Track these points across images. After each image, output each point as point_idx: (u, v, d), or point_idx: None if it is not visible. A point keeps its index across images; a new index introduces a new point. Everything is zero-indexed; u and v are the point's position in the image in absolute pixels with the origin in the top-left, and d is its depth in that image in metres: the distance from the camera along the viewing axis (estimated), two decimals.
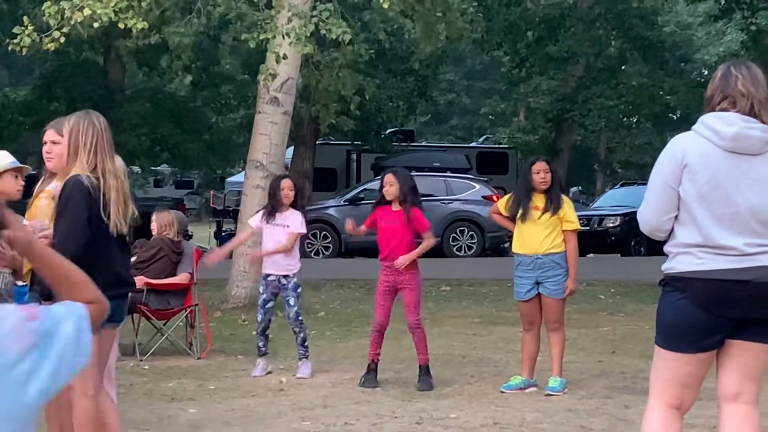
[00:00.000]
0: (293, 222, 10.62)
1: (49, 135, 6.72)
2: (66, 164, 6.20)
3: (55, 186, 6.70)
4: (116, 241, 6.19)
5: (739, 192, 4.99)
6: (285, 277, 10.64)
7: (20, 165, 7.22)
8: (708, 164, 5.02)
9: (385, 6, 14.87)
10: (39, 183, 6.94)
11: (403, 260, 9.82)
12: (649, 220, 5.18)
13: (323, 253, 27.12)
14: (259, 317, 10.77)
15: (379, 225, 10.06)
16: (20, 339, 2.48)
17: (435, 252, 25.10)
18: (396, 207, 9.99)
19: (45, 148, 6.72)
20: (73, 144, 6.14)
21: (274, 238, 10.65)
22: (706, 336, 5.10)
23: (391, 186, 9.98)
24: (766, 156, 5.00)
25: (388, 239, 9.99)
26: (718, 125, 5.02)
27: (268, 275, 10.72)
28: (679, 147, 5.11)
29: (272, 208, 10.71)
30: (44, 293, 6.54)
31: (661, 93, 36.30)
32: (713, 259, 5.02)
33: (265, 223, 10.68)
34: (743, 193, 4.99)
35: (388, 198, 10.02)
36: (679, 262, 5.10)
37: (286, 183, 10.84)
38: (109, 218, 6.09)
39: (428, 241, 10.10)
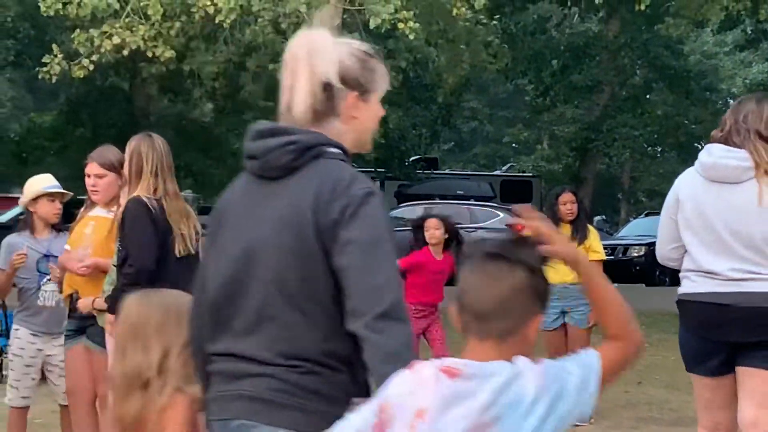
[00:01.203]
0: None
1: (93, 168, 6.69)
2: (129, 187, 6.19)
3: (97, 212, 6.70)
4: (184, 262, 6.17)
5: (719, 219, 5.21)
6: None
7: (56, 190, 7.26)
8: (694, 195, 5.31)
9: (411, 36, 14.91)
10: (82, 209, 6.94)
11: None
12: (658, 251, 5.59)
13: None
14: None
15: (424, 273, 9.79)
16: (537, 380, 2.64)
17: (454, 280, 24.92)
18: (439, 255, 9.87)
19: (89, 182, 6.69)
20: (135, 167, 6.13)
21: None
22: (705, 359, 5.28)
23: (437, 230, 9.84)
24: (746, 184, 5.17)
25: (431, 288, 9.86)
26: (703, 157, 5.30)
27: None
28: (678, 180, 5.47)
29: None
30: (85, 317, 6.56)
31: (686, 122, 36.26)
32: (703, 283, 5.28)
33: None
34: (724, 220, 5.19)
35: (432, 242, 9.87)
36: (681, 286, 5.43)
37: None
38: (173, 240, 6.08)
39: None
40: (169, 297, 3.65)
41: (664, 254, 5.51)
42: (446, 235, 9.83)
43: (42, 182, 7.35)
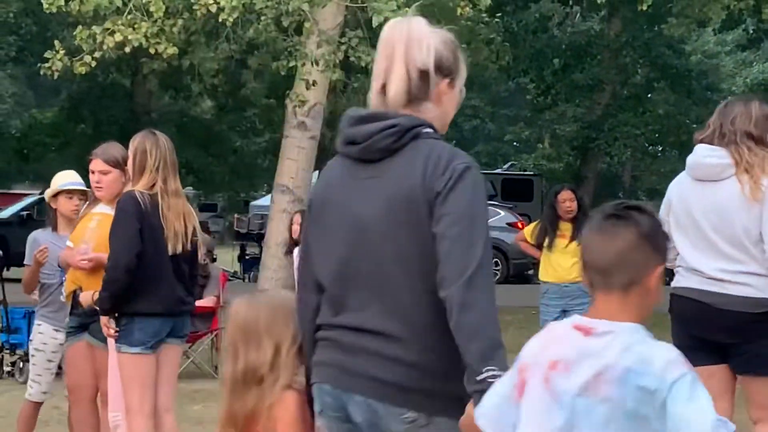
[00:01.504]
0: None
1: (98, 165, 6.69)
2: (132, 182, 6.21)
3: (102, 209, 6.71)
4: (176, 260, 6.19)
5: (704, 217, 5.31)
6: None
7: (73, 187, 7.27)
8: (681, 194, 5.46)
9: None
10: (85, 206, 6.95)
11: None
12: None
13: None
14: None
15: None
16: None
17: None
18: None
19: (94, 178, 6.70)
20: (139, 162, 6.16)
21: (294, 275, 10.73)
22: (695, 350, 5.24)
23: None
24: (727, 181, 5.27)
25: None
26: (689, 157, 5.47)
27: None
28: (672, 182, 5.62)
29: (288, 245, 10.78)
30: (87, 314, 6.57)
31: (687, 121, 36.22)
32: (689, 278, 5.40)
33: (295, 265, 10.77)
34: (708, 218, 5.30)
35: None
36: (673, 281, 5.56)
37: (297, 218, 10.90)
38: (167, 236, 6.11)
39: None
40: (275, 296, 3.92)
41: None
42: None
43: (62, 179, 7.38)
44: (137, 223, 6.03)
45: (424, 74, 3.38)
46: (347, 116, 3.47)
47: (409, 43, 3.38)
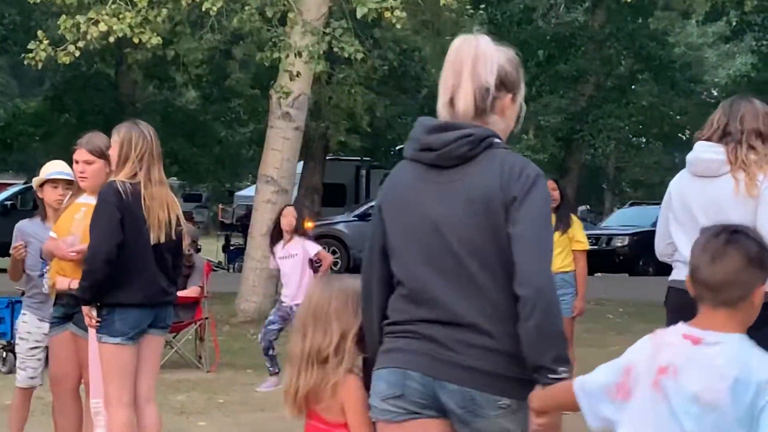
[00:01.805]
0: (302, 250, 10.70)
1: (82, 154, 6.67)
2: (115, 172, 6.21)
3: (87, 200, 6.71)
4: (159, 250, 6.20)
5: (701, 212, 5.33)
6: (298, 305, 10.68)
7: (57, 177, 7.24)
8: (680, 190, 5.49)
9: (398, 26, 14.94)
10: (68, 196, 6.94)
11: None
12: (656, 246, 5.70)
13: (332, 269, 27.07)
14: (259, 337, 10.86)
15: None
16: None
17: None
18: None
19: (78, 168, 6.68)
20: (124, 152, 6.15)
21: (286, 270, 10.73)
22: None
23: None
24: (723, 177, 5.31)
25: None
26: (689, 154, 5.50)
27: (283, 301, 10.80)
28: (674, 178, 5.64)
29: (275, 237, 10.78)
30: (72, 304, 6.57)
31: (671, 113, 36.32)
32: (684, 270, 5.33)
33: (280, 258, 10.75)
34: (705, 213, 5.30)
35: None
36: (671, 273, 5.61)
37: (288, 211, 10.90)
38: (149, 226, 6.12)
39: None
40: (349, 284, 4.08)
41: (660, 250, 5.67)
42: None
43: (49, 168, 7.35)
44: (118, 213, 6.02)
45: (489, 90, 3.67)
46: (421, 124, 3.75)
47: (476, 60, 3.68)
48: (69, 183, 7.10)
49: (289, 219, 10.73)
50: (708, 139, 5.42)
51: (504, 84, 3.73)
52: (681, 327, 3.24)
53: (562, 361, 3.48)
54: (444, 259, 3.61)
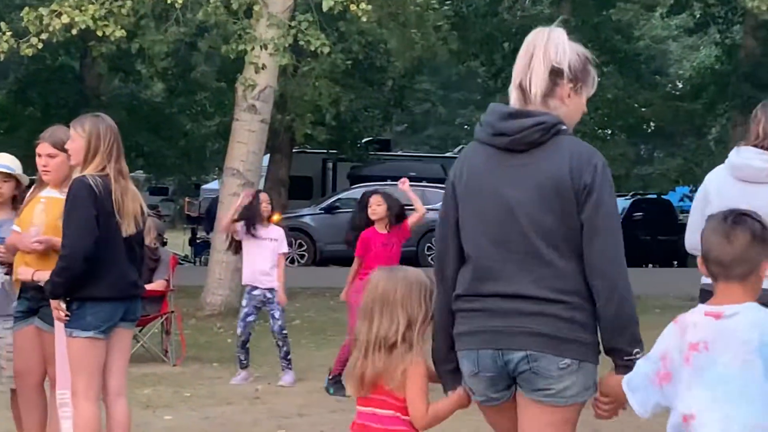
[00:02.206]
0: (281, 239, 10.76)
1: (45, 148, 6.65)
2: (82, 166, 6.18)
3: (49, 193, 6.67)
4: (129, 243, 6.19)
5: None
6: (271, 290, 10.71)
7: (3, 171, 7.15)
8: (720, 191, 5.64)
9: (364, 19, 14.94)
10: (31, 190, 6.89)
11: None
12: (687, 240, 5.85)
13: (298, 262, 27.12)
14: (239, 330, 10.82)
15: (371, 248, 10.02)
16: None
17: (410, 261, 25.08)
18: (383, 229, 10.01)
19: (41, 161, 6.65)
20: (93, 146, 6.13)
21: (261, 252, 10.73)
22: None
23: (379, 206, 10.01)
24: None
25: (383, 263, 9.98)
26: (732, 156, 5.68)
27: (254, 288, 10.76)
28: (708, 177, 5.84)
29: (252, 221, 10.78)
30: (37, 298, 6.54)
31: (635, 105, 36.42)
32: None
33: (248, 236, 10.73)
34: None
35: (374, 218, 10.03)
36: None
37: (265, 197, 10.95)
38: (121, 219, 6.10)
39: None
40: (411, 274, 4.32)
41: (692, 243, 5.74)
42: (389, 211, 10.01)
43: None
44: (93, 209, 6.01)
45: (554, 72, 4.00)
46: (494, 111, 4.07)
47: (547, 46, 4.02)
48: (7, 176, 7.00)
49: (265, 205, 10.80)
50: (755, 146, 5.60)
51: (569, 73, 4.03)
52: (701, 307, 3.68)
53: (636, 342, 3.90)
54: (513, 238, 3.94)
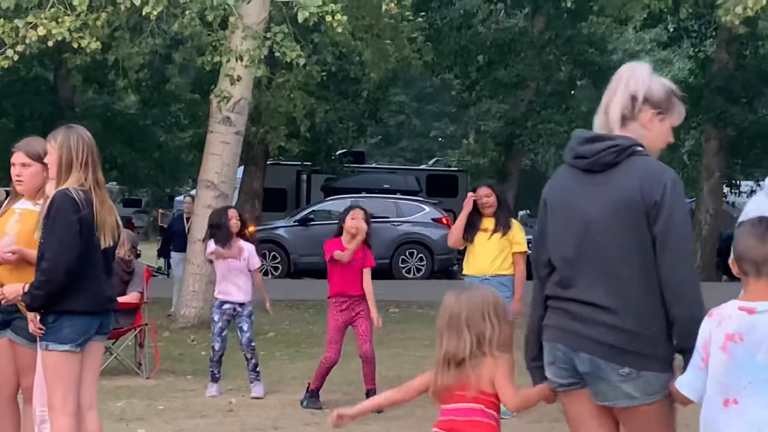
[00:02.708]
0: (249, 255, 10.74)
1: (19, 158, 6.65)
2: (57, 179, 6.16)
3: (24, 205, 6.65)
4: (105, 255, 6.18)
5: None
6: (241, 304, 10.70)
7: None
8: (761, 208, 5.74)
9: (339, 30, 14.98)
10: (6, 201, 6.87)
11: (376, 321, 9.93)
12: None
13: (272, 274, 27.08)
14: (217, 345, 10.79)
15: (338, 262, 9.97)
16: None
17: (384, 274, 25.15)
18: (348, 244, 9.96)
19: (14, 171, 6.65)
20: (66, 159, 6.11)
21: (231, 268, 10.71)
22: None
23: (352, 219, 9.96)
24: None
25: (349, 279, 9.97)
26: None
27: (224, 303, 10.75)
28: (752, 201, 5.87)
29: (224, 238, 10.76)
30: (10, 311, 6.51)
31: None
32: None
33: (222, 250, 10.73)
34: None
35: (356, 233, 9.96)
36: None
37: (233, 213, 10.93)
38: (99, 232, 6.08)
39: (368, 285, 10.04)
40: (476, 295, 4.79)
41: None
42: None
43: None
44: (76, 222, 6.00)
45: (633, 98, 4.48)
46: (576, 136, 4.57)
47: (630, 77, 4.51)
48: None
49: (234, 222, 10.79)
50: None
51: (648, 99, 4.48)
52: (734, 302, 4.13)
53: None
54: (590, 251, 4.40)
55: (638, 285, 4.34)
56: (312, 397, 10.00)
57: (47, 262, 6.00)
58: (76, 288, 6.04)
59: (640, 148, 4.44)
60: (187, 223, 17.70)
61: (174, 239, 18.79)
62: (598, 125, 4.56)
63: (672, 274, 4.30)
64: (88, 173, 6.12)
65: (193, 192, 19.67)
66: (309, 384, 10.18)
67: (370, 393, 9.92)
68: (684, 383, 4.23)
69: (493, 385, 4.68)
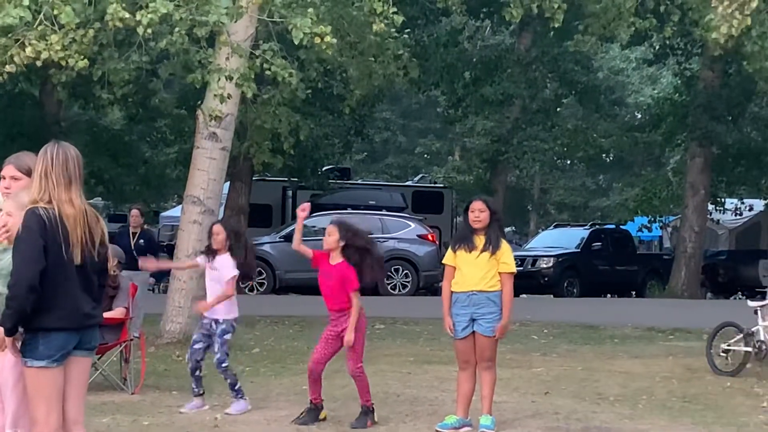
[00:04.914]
0: (223, 267, 10.65)
1: (9, 171, 6.73)
2: (31, 195, 6.18)
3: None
4: (83, 272, 6.17)
5: None
6: (215, 321, 10.65)
7: None
8: None
9: (329, 52, 15.00)
10: None
11: (349, 339, 9.88)
12: None
13: (258, 290, 27.09)
14: (187, 357, 10.81)
15: (319, 275, 10.02)
16: None
17: (369, 290, 25.08)
18: (333, 260, 9.97)
19: (4, 183, 6.72)
20: (36, 176, 6.15)
21: (211, 282, 10.74)
22: None
23: (330, 236, 9.95)
24: None
25: (331, 293, 9.98)
26: None
27: (204, 317, 10.76)
28: None
29: (209, 250, 10.79)
30: None
31: (594, 135, 36.71)
32: None
33: (207, 268, 10.77)
34: None
35: (325, 248, 9.99)
36: None
37: (215, 228, 10.90)
38: (70, 248, 6.09)
39: (354, 309, 9.97)
40: None
41: None
42: (342, 242, 9.91)
43: None
44: (42, 240, 6.01)
45: None
46: None
47: None
48: None
49: (214, 236, 10.77)
50: None
51: None
52: None
53: None
54: None
55: None
56: (309, 412, 9.99)
57: (11, 279, 6.04)
58: (48, 305, 6.05)
59: None
60: (133, 238, 17.36)
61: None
62: None
63: None
64: (59, 189, 6.13)
65: (139, 205, 19.54)
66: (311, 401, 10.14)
67: (364, 407, 9.93)
68: None
69: None
